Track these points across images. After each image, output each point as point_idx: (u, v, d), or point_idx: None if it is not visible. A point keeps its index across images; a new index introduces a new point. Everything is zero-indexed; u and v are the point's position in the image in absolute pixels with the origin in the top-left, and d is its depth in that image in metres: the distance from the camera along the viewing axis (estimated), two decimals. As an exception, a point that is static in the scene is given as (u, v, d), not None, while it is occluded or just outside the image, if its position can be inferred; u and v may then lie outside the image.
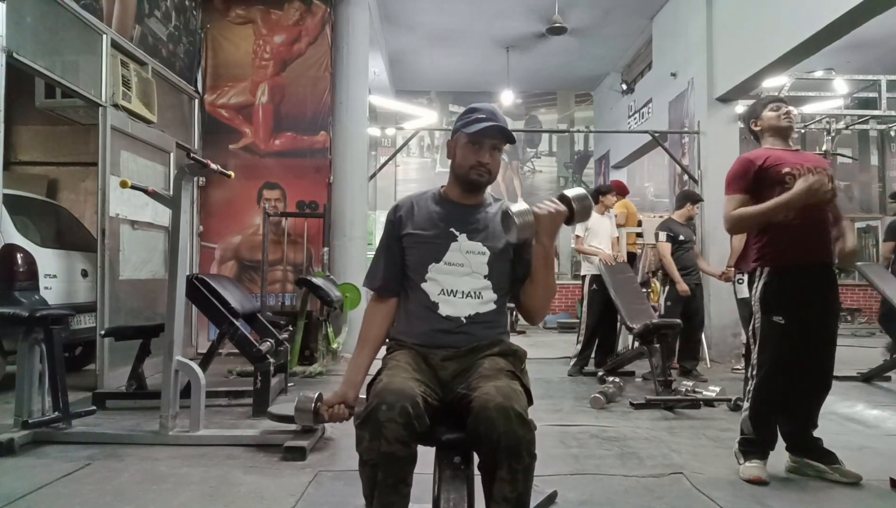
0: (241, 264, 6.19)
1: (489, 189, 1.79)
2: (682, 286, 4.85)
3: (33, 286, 4.16)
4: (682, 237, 5.06)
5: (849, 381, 4.95)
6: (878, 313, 5.69)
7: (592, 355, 5.23)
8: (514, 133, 1.69)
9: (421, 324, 1.66)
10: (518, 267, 1.71)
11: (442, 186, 1.79)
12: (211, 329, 5.46)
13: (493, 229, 1.69)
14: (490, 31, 8.44)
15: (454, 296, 1.65)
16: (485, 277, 1.66)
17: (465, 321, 1.64)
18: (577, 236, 5.23)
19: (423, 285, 1.66)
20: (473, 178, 1.67)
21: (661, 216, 6.09)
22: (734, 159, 2.78)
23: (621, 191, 6.27)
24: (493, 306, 1.67)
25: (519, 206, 1.56)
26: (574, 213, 1.58)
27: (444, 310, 1.64)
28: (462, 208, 1.72)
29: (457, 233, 1.68)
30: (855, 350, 5.45)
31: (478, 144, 1.65)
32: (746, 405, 2.68)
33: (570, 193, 1.60)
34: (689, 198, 5.27)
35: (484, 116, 1.64)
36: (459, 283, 1.65)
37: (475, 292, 1.66)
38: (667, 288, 5.12)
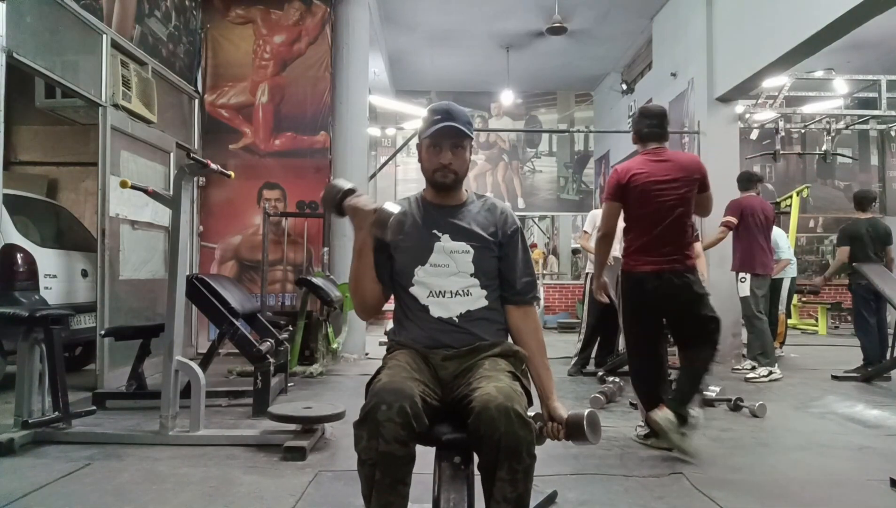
0: (241, 264, 6.19)
1: (473, 185, 1.79)
2: None
3: (33, 286, 4.16)
4: None
5: (849, 381, 4.96)
6: (853, 321, 5.70)
7: (593, 355, 5.22)
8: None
9: (416, 328, 1.67)
10: (503, 263, 1.72)
11: (423, 190, 1.81)
12: (211, 329, 5.46)
13: (476, 227, 1.70)
14: (490, 31, 8.44)
15: (443, 296, 1.65)
16: (471, 275, 1.67)
17: (457, 319, 1.64)
18: (585, 232, 5.12)
19: (412, 290, 1.67)
20: (438, 180, 1.68)
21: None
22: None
23: None
24: (484, 302, 1.68)
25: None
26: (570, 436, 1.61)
27: (435, 312, 1.65)
28: (442, 209, 1.73)
29: (439, 234, 1.68)
30: (855, 350, 5.44)
31: (438, 146, 1.66)
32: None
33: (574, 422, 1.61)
34: None
35: (439, 116, 1.64)
36: (447, 283, 1.66)
37: (464, 290, 1.66)
38: None
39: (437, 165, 1.66)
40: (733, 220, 5.02)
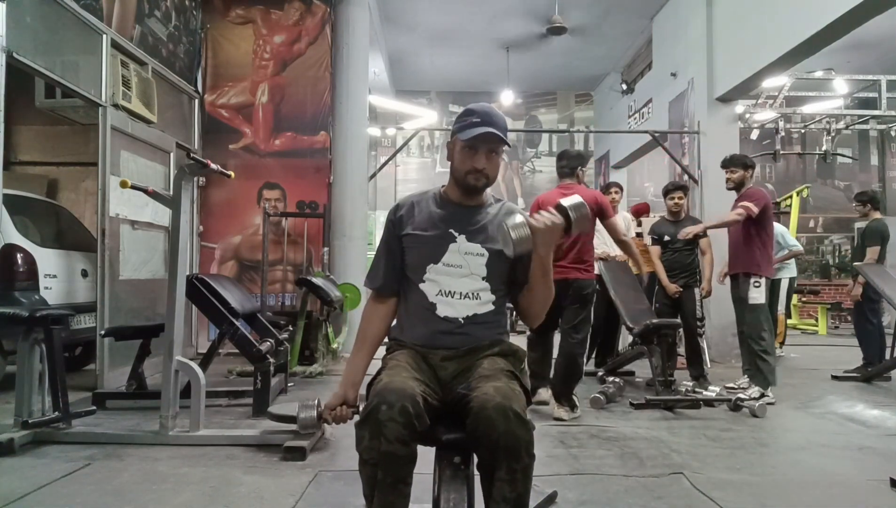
0: (241, 264, 6.19)
1: (489, 189, 1.79)
2: (671, 288, 4.66)
3: (33, 286, 4.16)
4: (666, 238, 4.80)
5: (849, 381, 4.96)
6: (854, 321, 5.61)
7: (593, 355, 5.22)
8: (514, 133, 1.70)
9: (420, 325, 1.66)
10: (516, 270, 1.70)
11: (443, 186, 1.78)
12: (211, 329, 5.46)
13: (493, 231, 1.68)
14: (490, 31, 8.44)
15: (452, 297, 1.64)
16: (483, 278, 1.66)
17: (463, 321, 1.64)
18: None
19: (422, 286, 1.66)
20: (470, 182, 1.66)
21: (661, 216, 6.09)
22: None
23: (643, 212, 6.42)
24: (491, 307, 1.67)
25: (515, 218, 1.52)
26: (571, 223, 1.51)
27: (442, 311, 1.64)
28: (462, 209, 1.72)
29: (456, 234, 1.67)
30: (855, 350, 5.44)
31: (473, 149, 1.63)
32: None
33: (567, 202, 1.53)
34: (663, 192, 5.01)
35: (479, 119, 1.62)
36: (457, 284, 1.65)
37: (473, 294, 1.65)
38: (656, 289, 5.06)
39: (471, 168, 1.64)
40: (754, 209, 4.13)
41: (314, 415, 1.60)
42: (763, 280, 4.20)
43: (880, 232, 5.32)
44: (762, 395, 3.98)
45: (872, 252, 5.29)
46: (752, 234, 4.22)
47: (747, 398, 3.94)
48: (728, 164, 4.41)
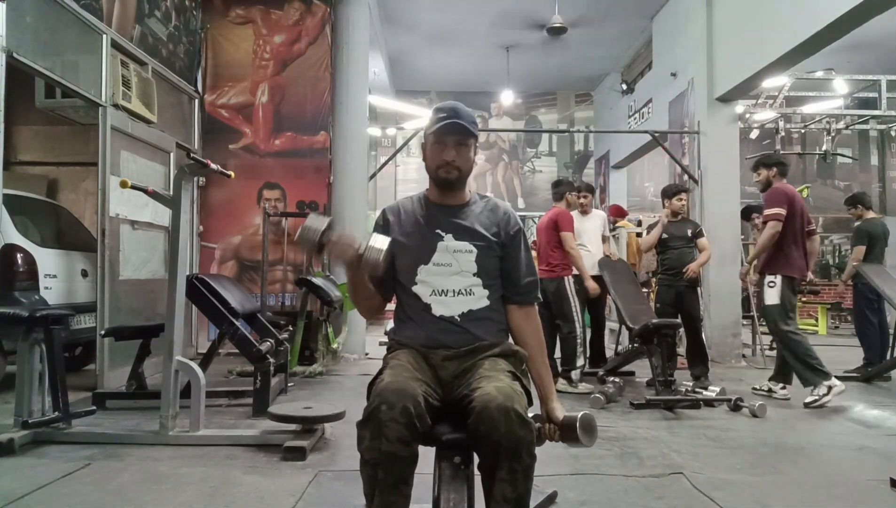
0: (241, 264, 6.18)
1: (473, 186, 1.80)
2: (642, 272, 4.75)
3: (33, 286, 4.16)
4: (664, 236, 4.79)
5: (849, 381, 4.95)
6: (854, 321, 5.62)
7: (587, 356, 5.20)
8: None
9: (417, 328, 1.67)
10: (505, 263, 1.72)
11: (426, 190, 1.81)
12: (211, 329, 5.45)
13: (479, 227, 1.70)
14: (490, 30, 8.44)
15: (445, 295, 1.65)
16: (473, 274, 1.67)
17: (459, 318, 1.64)
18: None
19: (414, 289, 1.67)
20: (442, 176, 1.68)
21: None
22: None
23: (619, 214, 6.94)
24: (486, 302, 1.68)
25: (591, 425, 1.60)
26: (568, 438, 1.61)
27: (437, 310, 1.65)
28: (445, 208, 1.73)
29: (443, 234, 1.69)
30: (855, 350, 5.44)
31: (442, 143, 1.67)
32: None
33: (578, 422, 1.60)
34: (663, 194, 4.98)
35: (445, 114, 1.66)
36: (449, 282, 1.66)
37: (466, 290, 1.66)
38: (655, 290, 5.05)
39: (441, 162, 1.67)
40: (782, 211, 4.09)
41: (319, 232, 1.51)
42: (778, 279, 4.15)
43: (866, 232, 5.35)
44: (829, 389, 3.96)
45: (857, 252, 5.34)
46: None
47: (818, 398, 3.97)
48: (753, 167, 4.59)
